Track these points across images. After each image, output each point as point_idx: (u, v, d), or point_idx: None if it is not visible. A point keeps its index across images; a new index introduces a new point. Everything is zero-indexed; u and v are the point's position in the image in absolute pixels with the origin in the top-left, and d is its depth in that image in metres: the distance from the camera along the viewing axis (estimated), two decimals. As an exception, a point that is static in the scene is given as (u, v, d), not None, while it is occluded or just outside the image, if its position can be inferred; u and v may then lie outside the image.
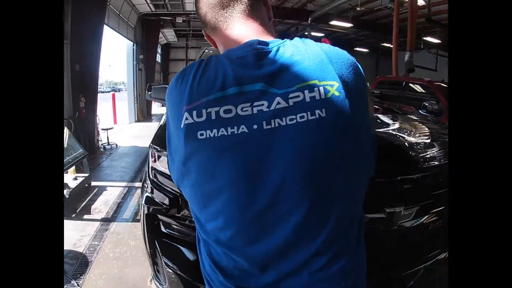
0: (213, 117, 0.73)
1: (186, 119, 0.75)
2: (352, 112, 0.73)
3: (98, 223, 3.67)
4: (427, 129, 2.02)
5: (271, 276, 0.77)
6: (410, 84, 7.56)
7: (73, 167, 4.42)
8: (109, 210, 4.02)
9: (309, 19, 13.18)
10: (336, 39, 19.56)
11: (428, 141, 1.83)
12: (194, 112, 0.74)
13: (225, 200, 0.75)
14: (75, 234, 3.37)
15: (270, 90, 0.73)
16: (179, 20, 13.16)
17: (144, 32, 12.68)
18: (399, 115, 2.40)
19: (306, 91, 0.72)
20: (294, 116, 0.71)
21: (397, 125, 2.05)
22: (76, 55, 5.78)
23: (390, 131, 1.86)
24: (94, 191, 4.62)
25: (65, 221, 3.65)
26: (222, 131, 0.72)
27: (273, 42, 0.80)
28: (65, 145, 4.49)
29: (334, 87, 0.72)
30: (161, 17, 13.14)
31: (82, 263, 2.88)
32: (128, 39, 11.02)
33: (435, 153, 1.73)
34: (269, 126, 0.71)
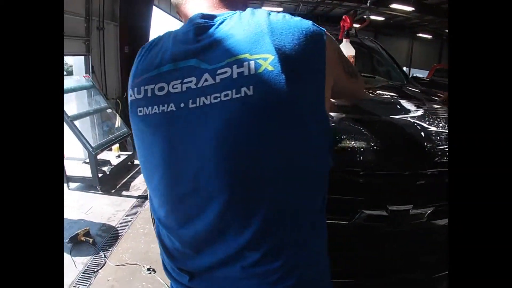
0: (149, 94, 0.72)
1: (130, 95, 0.76)
2: (291, 89, 0.64)
3: (134, 199, 3.80)
4: None
5: (206, 261, 0.74)
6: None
7: (117, 145, 4.61)
8: (146, 188, 4.13)
9: (368, 1, 12.63)
10: (398, 23, 18.65)
11: None
12: (135, 89, 0.74)
13: (158, 178, 0.74)
14: (111, 209, 3.53)
15: (201, 66, 0.68)
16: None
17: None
18: (429, 102, 2.10)
19: (234, 66, 0.65)
20: (218, 94, 0.65)
21: (420, 112, 1.80)
22: (125, 37, 5.94)
23: (409, 118, 1.66)
24: (136, 169, 4.77)
25: (103, 196, 3.86)
26: (155, 109, 0.70)
27: (221, 15, 0.73)
28: (117, 125, 4.71)
29: (267, 61, 0.64)
30: (215, 0, 13.11)
31: (113, 236, 3.02)
32: (181, 21, 11.15)
33: None
34: (195, 105, 0.67)
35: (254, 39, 0.66)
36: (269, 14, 0.71)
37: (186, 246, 0.75)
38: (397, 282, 1.56)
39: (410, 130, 1.52)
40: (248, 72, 0.64)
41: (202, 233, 0.71)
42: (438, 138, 1.50)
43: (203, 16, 0.73)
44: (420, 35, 20.25)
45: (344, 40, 1.85)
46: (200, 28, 0.71)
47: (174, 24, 11.33)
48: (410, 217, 1.40)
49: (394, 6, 12.84)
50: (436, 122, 1.65)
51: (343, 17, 1.84)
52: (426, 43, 22.00)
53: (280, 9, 17.06)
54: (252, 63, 0.64)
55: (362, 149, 1.36)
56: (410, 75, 20.65)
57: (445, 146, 1.45)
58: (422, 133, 1.51)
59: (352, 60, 1.87)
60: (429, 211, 1.42)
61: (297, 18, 0.71)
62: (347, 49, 1.85)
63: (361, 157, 1.34)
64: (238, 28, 0.68)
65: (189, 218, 0.72)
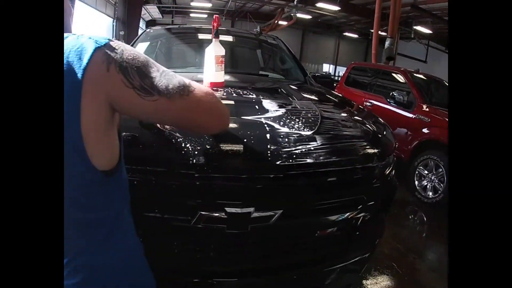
0: None
1: None
2: None
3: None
4: (321, 119, 1.68)
5: None
6: (392, 73, 7.30)
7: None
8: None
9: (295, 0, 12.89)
10: (325, 22, 19.33)
11: (309, 133, 1.53)
12: None
13: None
14: None
15: None
16: (162, -5, 12.76)
17: (126, 8, 12.22)
18: (303, 102, 2.06)
19: None
20: None
21: (279, 113, 1.71)
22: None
23: (262, 119, 1.58)
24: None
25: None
26: None
27: None
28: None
29: None
30: (145, -8, 12.66)
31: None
32: (107, 15, 10.65)
33: (313, 148, 1.46)
34: None
35: None
36: (82, 39, 0.73)
37: None
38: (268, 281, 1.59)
39: (255, 132, 1.46)
40: None
41: None
42: (286, 140, 1.45)
43: None
44: (347, 34, 21.12)
45: (214, 39, 1.87)
46: None
47: (99, 18, 10.80)
48: (252, 220, 1.37)
49: (320, 5, 13.21)
50: (292, 123, 1.59)
51: (214, 17, 1.84)
52: (352, 42, 23.04)
53: (209, 5, 16.94)
54: None
55: (196, 152, 1.31)
56: (337, 73, 21.77)
57: (293, 148, 1.42)
58: (268, 135, 1.45)
59: (221, 60, 1.84)
60: (276, 214, 1.39)
61: (72, 38, 0.73)
62: (217, 49, 1.84)
63: (195, 160, 1.30)
64: None
65: None
